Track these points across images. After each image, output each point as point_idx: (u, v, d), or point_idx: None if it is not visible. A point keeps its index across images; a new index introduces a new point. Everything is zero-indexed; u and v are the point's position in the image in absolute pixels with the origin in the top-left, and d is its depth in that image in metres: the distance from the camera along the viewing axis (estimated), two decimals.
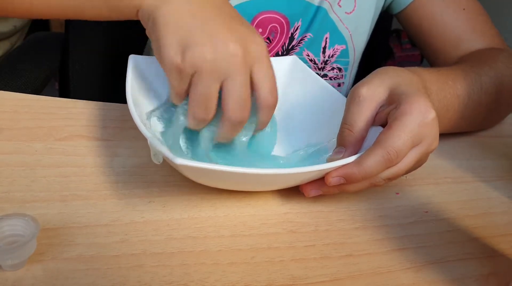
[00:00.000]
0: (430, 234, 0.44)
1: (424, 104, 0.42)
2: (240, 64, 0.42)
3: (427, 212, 0.47)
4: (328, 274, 0.38)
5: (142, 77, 0.51)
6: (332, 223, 0.44)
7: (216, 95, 0.43)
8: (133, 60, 0.51)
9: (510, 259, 0.43)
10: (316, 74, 0.57)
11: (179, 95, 0.45)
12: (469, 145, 0.62)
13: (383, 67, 0.48)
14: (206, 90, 0.42)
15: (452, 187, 0.52)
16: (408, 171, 0.45)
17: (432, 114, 0.43)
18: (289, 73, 0.57)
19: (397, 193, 0.50)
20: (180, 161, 0.36)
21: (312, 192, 0.44)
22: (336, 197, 0.46)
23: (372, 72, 0.47)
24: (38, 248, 0.35)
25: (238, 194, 0.45)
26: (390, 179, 0.44)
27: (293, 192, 0.46)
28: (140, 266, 0.36)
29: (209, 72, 0.42)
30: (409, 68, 0.49)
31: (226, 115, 0.43)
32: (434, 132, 0.44)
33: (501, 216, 0.49)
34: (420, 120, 0.42)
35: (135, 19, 0.48)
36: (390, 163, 0.42)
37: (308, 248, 0.40)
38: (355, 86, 0.46)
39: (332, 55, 0.74)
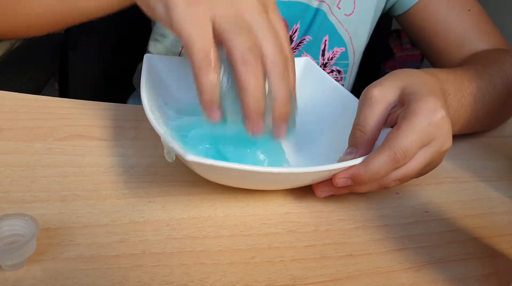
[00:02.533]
0: (430, 234, 0.44)
1: (433, 103, 0.42)
2: (259, 9, 0.40)
3: (427, 212, 0.47)
4: (328, 274, 0.38)
5: (156, 76, 0.51)
6: (332, 223, 0.44)
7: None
8: (148, 59, 0.51)
9: (510, 259, 0.43)
10: (329, 76, 0.57)
11: (204, 45, 0.38)
12: (469, 145, 0.62)
13: (398, 69, 0.48)
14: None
15: (453, 187, 0.52)
16: (420, 173, 0.45)
17: (441, 113, 0.42)
18: (301, 75, 0.57)
19: (397, 193, 0.49)
20: (190, 157, 0.36)
21: (323, 192, 0.45)
22: (336, 197, 0.46)
23: (387, 74, 0.47)
24: (38, 248, 0.35)
25: (238, 194, 0.45)
26: (401, 180, 0.43)
27: (293, 192, 0.46)
28: (140, 266, 0.36)
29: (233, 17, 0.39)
30: (425, 69, 0.49)
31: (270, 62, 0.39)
32: (446, 131, 0.43)
33: (502, 216, 0.49)
34: (429, 119, 0.41)
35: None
36: (397, 164, 0.41)
37: (308, 248, 0.40)
38: (367, 87, 0.45)
39: (332, 57, 0.74)
